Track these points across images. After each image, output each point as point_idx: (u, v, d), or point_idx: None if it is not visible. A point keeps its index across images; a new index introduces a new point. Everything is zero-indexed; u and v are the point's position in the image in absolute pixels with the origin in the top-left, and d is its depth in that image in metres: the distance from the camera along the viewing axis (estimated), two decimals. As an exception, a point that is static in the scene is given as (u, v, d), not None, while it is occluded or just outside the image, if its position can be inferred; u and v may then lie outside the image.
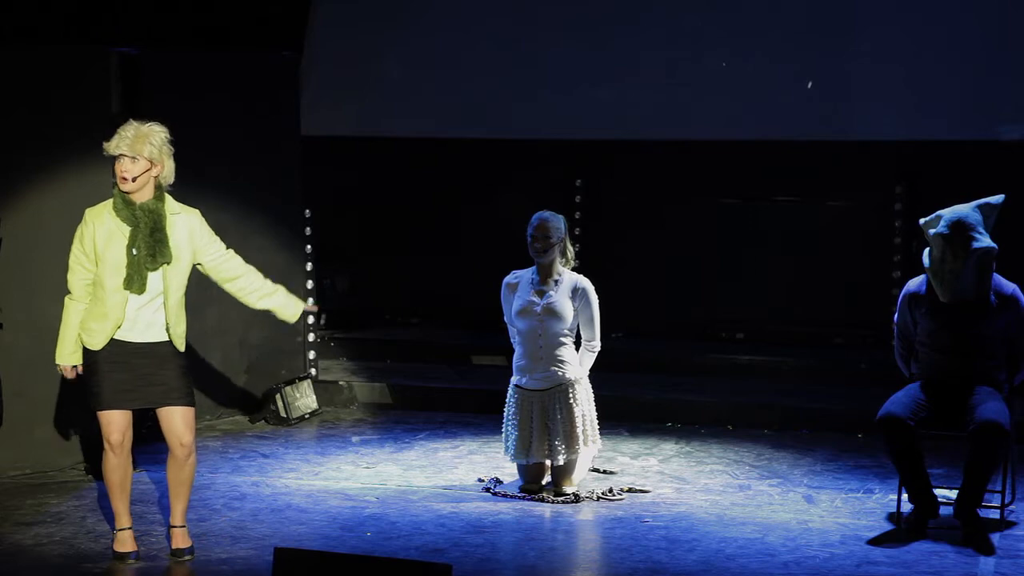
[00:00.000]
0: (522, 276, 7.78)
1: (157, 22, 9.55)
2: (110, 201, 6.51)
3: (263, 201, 9.81)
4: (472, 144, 10.99)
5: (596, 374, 7.92)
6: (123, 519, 6.68)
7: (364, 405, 10.04)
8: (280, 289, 6.87)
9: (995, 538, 6.95)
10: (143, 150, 6.43)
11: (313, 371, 10.17)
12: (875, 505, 7.56)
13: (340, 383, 10.15)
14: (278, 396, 9.53)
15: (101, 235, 6.44)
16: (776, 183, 10.62)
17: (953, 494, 7.11)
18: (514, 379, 7.79)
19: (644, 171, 10.84)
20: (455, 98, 10.89)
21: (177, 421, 6.58)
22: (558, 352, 7.67)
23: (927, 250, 7.20)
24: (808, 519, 7.33)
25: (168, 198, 6.58)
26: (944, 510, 7.10)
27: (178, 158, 9.24)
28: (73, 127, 8.46)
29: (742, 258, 10.70)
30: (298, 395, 9.70)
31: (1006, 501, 7.28)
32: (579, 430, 7.66)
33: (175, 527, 6.73)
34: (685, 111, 10.51)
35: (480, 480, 8.02)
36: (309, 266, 10.27)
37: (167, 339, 6.52)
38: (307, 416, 9.70)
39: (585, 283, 7.71)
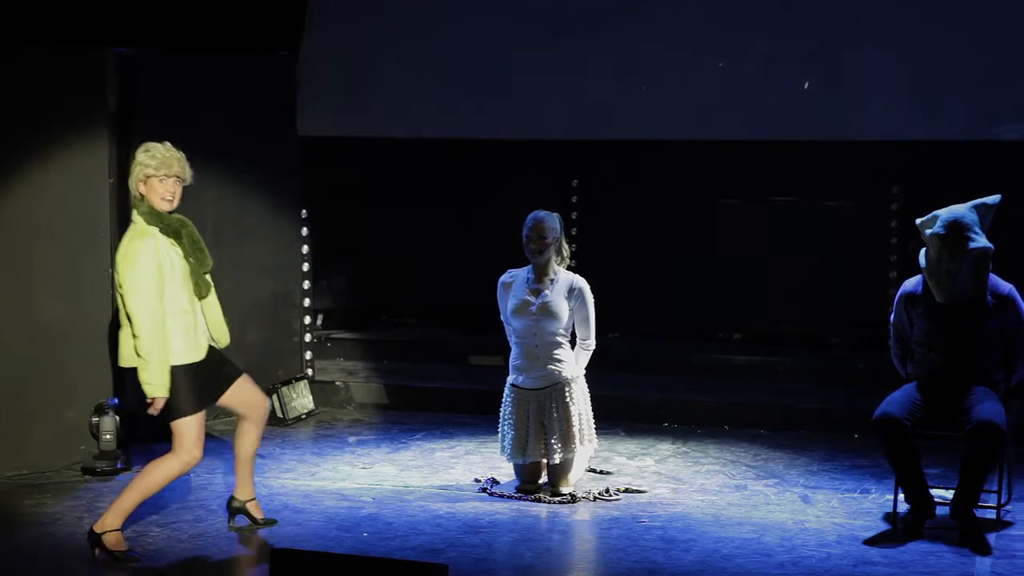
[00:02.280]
0: (518, 275, 7.79)
1: (154, 22, 9.54)
2: (143, 224, 6.65)
3: (260, 201, 9.81)
4: (469, 144, 10.98)
5: (592, 374, 7.92)
6: (123, 519, 6.75)
7: (361, 405, 10.04)
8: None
9: (991, 538, 6.96)
10: (186, 174, 6.74)
11: (310, 371, 10.17)
12: (871, 505, 7.56)
13: (337, 383, 10.15)
14: (275, 396, 9.53)
15: (163, 255, 6.65)
16: (773, 183, 10.61)
17: (949, 494, 7.11)
18: (510, 378, 7.80)
19: (641, 171, 10.83)
20: (451, 98, 10.88)
21: (250, 386, 6.97)
22: (554, 351, 7.68)
23: (923, 250, 7.20)
24: (804, 519, 7.34)
25: None
26: (940, 510, 7.11)
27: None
28: (70, 126, 8.47)
29: (738, 258, 10.70)
30: (295, 395, 9.70)
31: (1002, 501, 7.29)
32: (575, 429, 7.66)
33: (252, 500, 7.14)
34: (682, 111, 10.51)
35: (477, 480, 8.02)
36: (306, 266, 10.27)
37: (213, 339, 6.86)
38: (304, 416, 9.70)
39: (581, 282, 7.72)
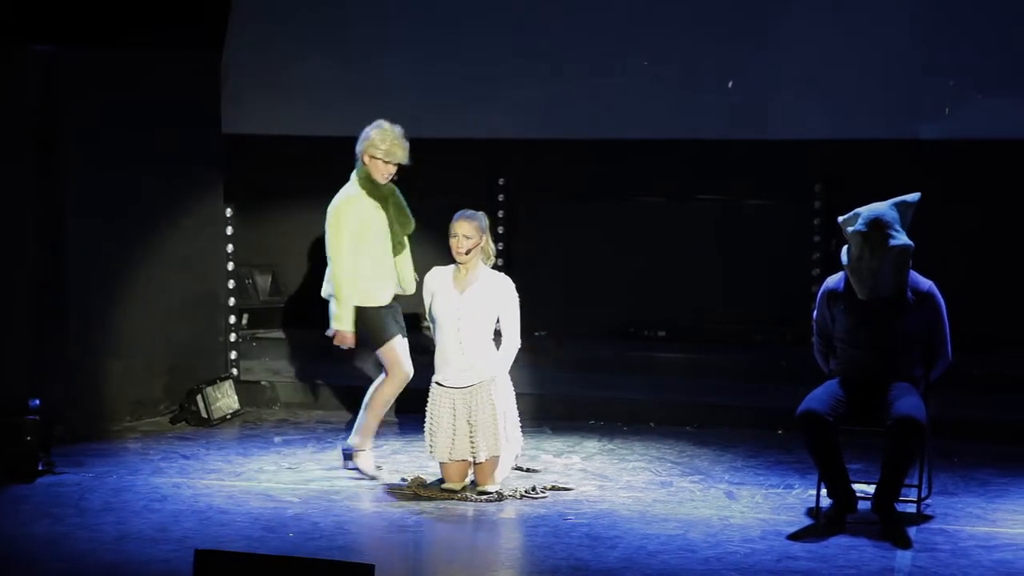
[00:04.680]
0: (443, 274, 7.78)
1: (76, 19, 9.44)
2: (356, 186, 7.90)
3: (185, 199, 9.73)
4: (395, 143, 10.94)
5: (518, 372, 7.94)
6: (369, 441, 7.99)
7: (287, 405, 9.99)
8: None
9: (912, 532, 7.04)
10: (406, 159, 7.94)
11: (235, 371, 10.10)
12: (795, 500, 7.63)
13: (262, 383, 10.10)
14: (199, 396, 9.46)
15: (367, 216, 7.84)
16: (697, 182, 10.67)
17: (871, 489, 7.19)
18: (435, 377, 7.79)
19: (567, 170, 10.86)
20: (377, 97, 10.84)
21: (407, 349, 8.00)
22: (478, 350, 7.68)
23: (845, 248, 7.28)
24: (729, 515, 7.39)
25: None
26: (862, 505, 7.19)
27: (98, 156, 9.18)
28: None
29: (663, 256, 10.75)
30: (219, 395, 9.63)
31: (922, 495, 7.37)
32: (501, 427, 7.67)
33: (363, 451, 8.07)
34: (607, 110, 10.54)
35: (403, 479, 8.01)
36: (231, 265, 10.20)
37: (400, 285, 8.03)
38: (229, 417, 9.63)
39: (506, 281, 7.74)
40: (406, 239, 8.04)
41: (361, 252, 7.88)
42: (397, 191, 8.07)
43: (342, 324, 7.91)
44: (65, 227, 9.00)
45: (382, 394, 8.02)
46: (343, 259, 7.86)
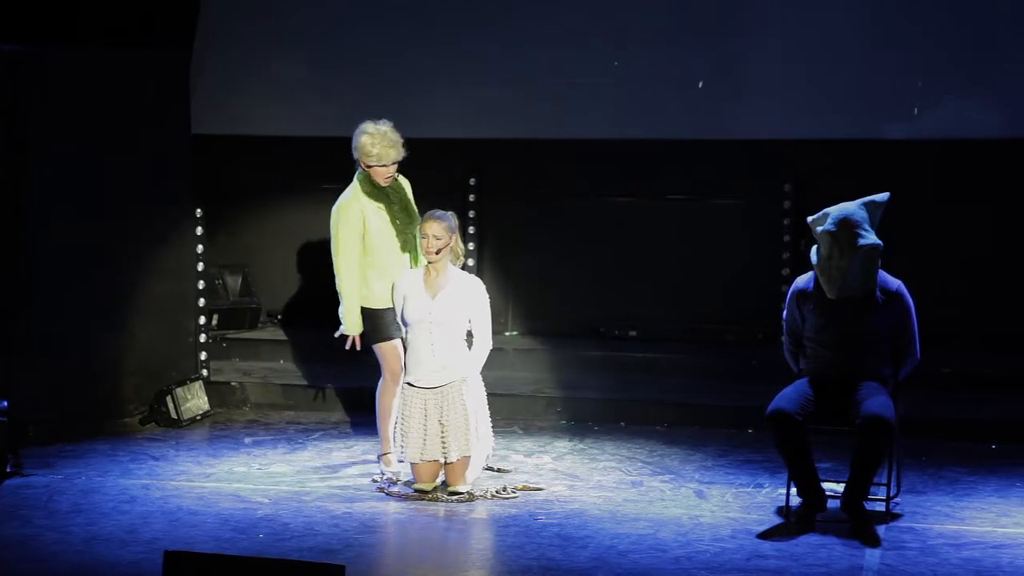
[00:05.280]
0: (413, 277, 7.78)
1: (43, 19, 9.40)
2: (358, 188, 7.87)
3: (154, 200, 9.69)
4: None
5: (489, 372, 7.94)
6: (389, 444, 7.89)
7: (257, 406, 9.97)
8: None
9: (881, 530, 7.07)
10: (401, 155, 7.88)
11: (205, 372, 10.07)
12: (765, 499, 7.66)
13: (232, 384, 10.07)
14: (169, 397, 9.43)
15: (368, 216, 7.84)
16: (667, 182, 10.70)
17: (840, 487, 7.22)
18: (406, 378, 7.79)
19: (537, 170, 10.87)
20: (346, 97, 10.84)
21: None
22: (449, 351, 7.68)
23: (815, 247, 7.30)
24: (699, 514, 7.41)
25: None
26: (831, 503, 7.22)
27: (65, 157, 9.13)
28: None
29: (634, 256, 10.78)
30: (189, 396, 9.60)
31: (891, 494, 7.40)
32: (472, 428, 7.67)
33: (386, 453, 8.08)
34: (577, 110, 10.56)
35: (374, 480, 8.01)
36: (201, 266, 10.18)
37: None
38: (198, 418, 9.60)
39: (476, 282, 7.74)
40: (414, 237, 7.97)
41: (364, 254, 7.89)
42: (406, 187, 8.05)
43: (349, 328, 8.00)
44: (33, 227, 8.97)
45: (386, 396, 8.02)
46: (344, 263, 7.90)
